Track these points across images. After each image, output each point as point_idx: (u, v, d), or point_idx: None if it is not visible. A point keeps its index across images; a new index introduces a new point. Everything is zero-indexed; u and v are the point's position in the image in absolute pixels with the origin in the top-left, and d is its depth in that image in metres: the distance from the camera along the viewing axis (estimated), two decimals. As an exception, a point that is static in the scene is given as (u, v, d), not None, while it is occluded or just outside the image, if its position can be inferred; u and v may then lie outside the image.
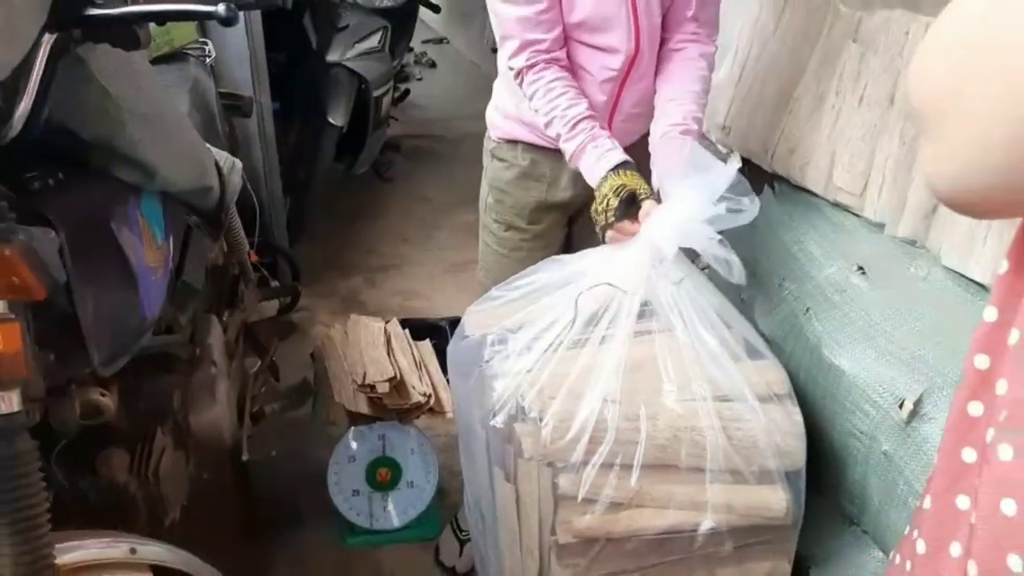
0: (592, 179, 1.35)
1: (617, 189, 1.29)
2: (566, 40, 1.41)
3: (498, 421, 1.16)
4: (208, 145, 1.42)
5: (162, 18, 0.90)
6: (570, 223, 1.70)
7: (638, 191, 1.29)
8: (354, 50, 3.17)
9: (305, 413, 1.91)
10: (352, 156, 3.43)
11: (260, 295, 2.18)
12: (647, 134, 1.46)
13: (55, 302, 0.91)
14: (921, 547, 0.63)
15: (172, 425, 1.37)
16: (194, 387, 1.45)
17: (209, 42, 2.18)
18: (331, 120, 3.04)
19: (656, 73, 1.50)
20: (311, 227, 3.26)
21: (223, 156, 1.48)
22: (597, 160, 1.34)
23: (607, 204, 1.30)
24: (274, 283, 2.33)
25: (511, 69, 1.42)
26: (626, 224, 1.29)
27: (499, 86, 1.62)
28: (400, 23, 3.57)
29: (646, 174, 1.37)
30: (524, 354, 1.20)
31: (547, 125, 1.40)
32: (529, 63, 1.38)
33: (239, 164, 1.52)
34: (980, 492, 0.56)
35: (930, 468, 0.83)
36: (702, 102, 1.45)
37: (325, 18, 3.19)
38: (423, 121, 5.21)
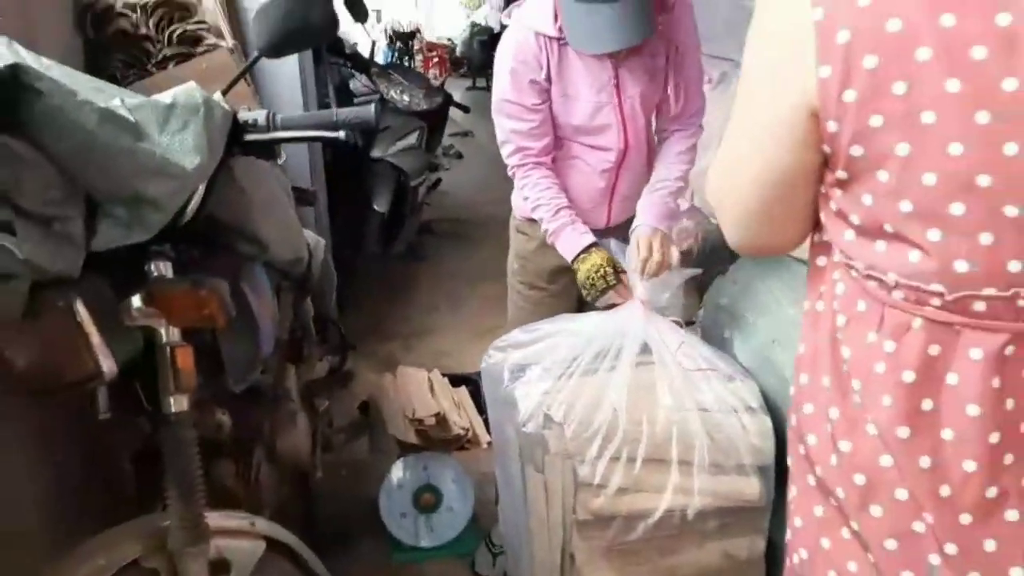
0: (569, 253, 1.76)
1: (599, 267, 1.70)
2: (568, 140, 1.81)
3: (529, 427, 1.51)
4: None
5: (300, 141, 1.30)
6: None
7: (618, 266, 1.71)
8: (395, 147, 3.64)
9: (362, 447, 2.26)
10: (391, 238, 3.86)
11: (319, 352, 2.57)
12: None
13: (204, 338, 1.29)
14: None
15: (265, 446, 1.73)
16: (279, 417, 1.81)
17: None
18: (376, 207, 3.49)
19: (648, 161, 1.90)
20: (355, 299, 3.66)
21: (311, 236, 1.89)
22: (577, 239, 1.75)
23: (602, 274, 1.71)
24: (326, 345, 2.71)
25: (507, 164, 1.82)
26: (622, 289, 1.70)
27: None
28: (434, 123, 4.06)
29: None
30: (544, 379, 1.56)
31: (534, 209, 1.80)
32: (521, 163, 1.80)
33: (323, 242, 1.93)
34: None
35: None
36: (684, 176, 1.84)
37: (368, 120, 3.67)
38: (452, 206, 5.70)
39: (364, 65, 3.99)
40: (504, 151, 1.83)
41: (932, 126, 0.66)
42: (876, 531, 0.79)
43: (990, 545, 0.75)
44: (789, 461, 0.94)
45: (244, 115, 1.27)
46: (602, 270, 1.71)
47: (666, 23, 1.70)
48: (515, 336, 1.73)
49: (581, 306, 1.95)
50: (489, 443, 2.08)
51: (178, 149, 1.06)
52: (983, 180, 0.66)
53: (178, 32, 2.23)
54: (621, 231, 1.86)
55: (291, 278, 1.82)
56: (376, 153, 3.60)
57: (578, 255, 1.74)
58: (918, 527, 0.77)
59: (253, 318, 1.45)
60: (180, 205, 1.12)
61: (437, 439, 2.10)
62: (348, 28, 5.43)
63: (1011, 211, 0.66)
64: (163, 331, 1.14)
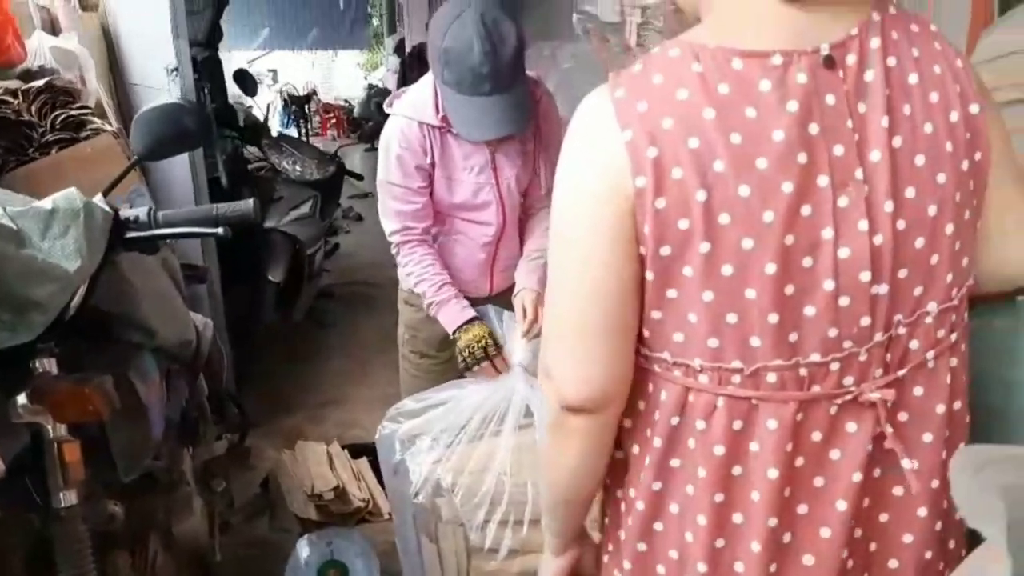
0: (451, 325, 1.86)
1: (481, 339, 1.82)
2: (451, 217, 1.93)
3: (420, 498, 1.57)
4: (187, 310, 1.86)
5: (177, 237, 1.36)
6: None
7: (497, 340, 1.83)
8: (288, 216, 3.68)
9: (263, 526, 2.26)
10: (289, 307, 3.87)
11: (215, 432, 2.55)
12: None
13: (92, 431, 1.31)
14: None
15: (160, 533, 1.72)
16: (174, 503, 1.81)
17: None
18: (270, 277, 3.50)
19: (522, 234, 2.03)
20: (255, 372, 3.63)
21: (199, 318, 1.91)
22: (459, 312, 1.86)
23: (483, 345, 1.82)
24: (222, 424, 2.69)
25: (390, 241, 1.92)
26: (491, 366, 1.82)
27: None
28: (328, 191, 4.12)
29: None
30: (434, 448, 1.63)
31: (417, 284, 1.90)
32: (405, 240, 1.90)
33: (211, 323, 1.96)
34: None
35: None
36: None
37: (263, 191, 3.71)
38: (354, 269, 5.72)
39: (256, 137, 4.04)
40: (388, 228, 1.92)
41: (727, 226, 0.77)
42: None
43: None
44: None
45: (125, 212, 1.32)
46: (483, 341, 1.82)
47: (534, 113, 1.86)
48: (406, 405, 1.80)
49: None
50: (391, 514, 2.12)
51: (60, 253, 1.11)
52: (770, 268, 0.77)
53: (61, 117, 2.25)
54: (503, 298, 1.97)
55: (180, 361, 1.84)
56: (270, 223, 3.63)
57: (460, 326, 1.85)
58: (738, 567, 0.88)
59: (142, 406, 1.47)
60: (63, 305, 1.15)
61: (337, 513, 2.13)
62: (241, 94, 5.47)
63: (789, 289, 0.78)
64: (49, 427, 1.16)
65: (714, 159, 0.76)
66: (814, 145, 0.77)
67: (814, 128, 0.76)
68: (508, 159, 1.89)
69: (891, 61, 0.79)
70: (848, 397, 0.83)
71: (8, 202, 1.15)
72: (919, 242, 0.81)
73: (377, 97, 12.45)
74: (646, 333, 0.86)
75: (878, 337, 0.82)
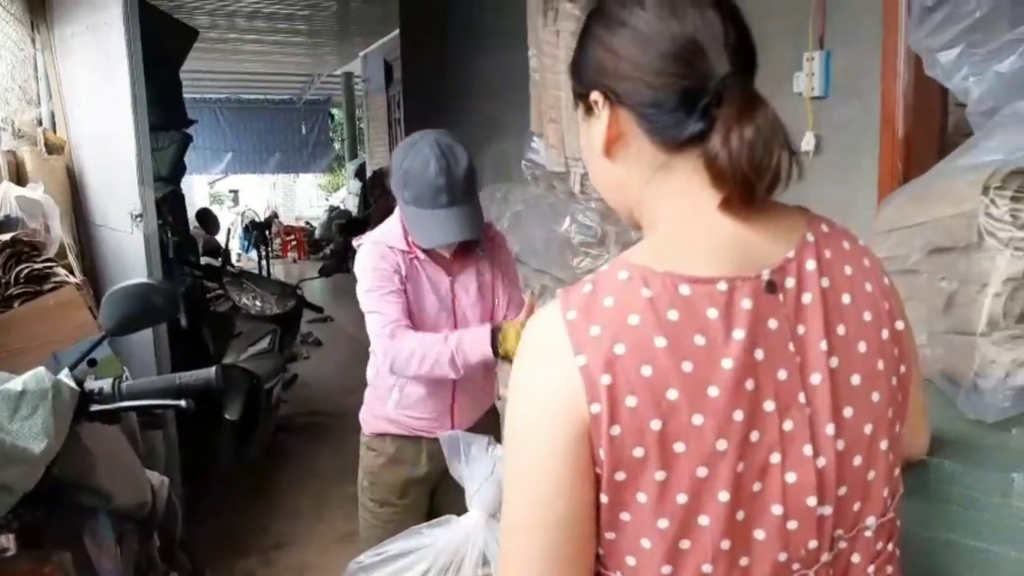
0: (480, 348, 1.85)
1: (518, 334, 1.80)
2: None
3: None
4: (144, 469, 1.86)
5: (143, 410, 1.39)
6: (432, 494, 2.18)
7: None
8: (247, 352, 3.70)
9: None
10: (245, 443, 3.82)
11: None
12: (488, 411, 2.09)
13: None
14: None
15: None
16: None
17: (125, 369, 2.64)
18: (227, 415, 3.48)
19: (486, 378, 2.11)
20: (208, 510, 3.53)
21: (155, 476, 1.91)
22: (479, 332, 1.87)
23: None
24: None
25: (382, 340, 1.92)
26: None
27: (369, 394, 2.16)
28: (287, 324, 4.17)
29: None
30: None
31: (421, 358, 1.88)
32: (395, 328, 1.90)
33: (167, 480, 1.95)
34: None
35: None
36: None
37: (221, 327, 3.74)
38: (312, 398, 5.66)
39: (216, 274, 4.10)
40: (379, 325, 1.92)
41: (682, 455, 0.76)
42: None
43: None
44: None
45: (90, 385, 1.35)
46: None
47: (490, 249, 2.06)
48: (365, 561, 1.79)
49: (430, 518, 2.05)
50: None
51: (27, 434, 1.14)
52: (723, 496, 0.77)
53: (25, 271, 2.29)
54: None
55: (135, 521, 1.82)
56: (228, 359, 3.64)
57: (494, 336, 1.85)
58: None
59: (94, 571, 1.45)
60: (31, 487, 1.17)
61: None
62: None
63: (740, 515, 0.79)
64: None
65: (667, 387, 0.76)
66: (760, 371, 0.78)
67: (759, 353, 0.78)
68: (465, 289, 2.02)
69: (825, 282, 0.82)
70: None
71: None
72: (857, 460, 0.82)
73: (338, 219, 12.71)
74: (600, 552, 0.83)
75: (824, 558, 0.83)
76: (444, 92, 5.55)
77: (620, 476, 0.78)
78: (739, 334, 0.77)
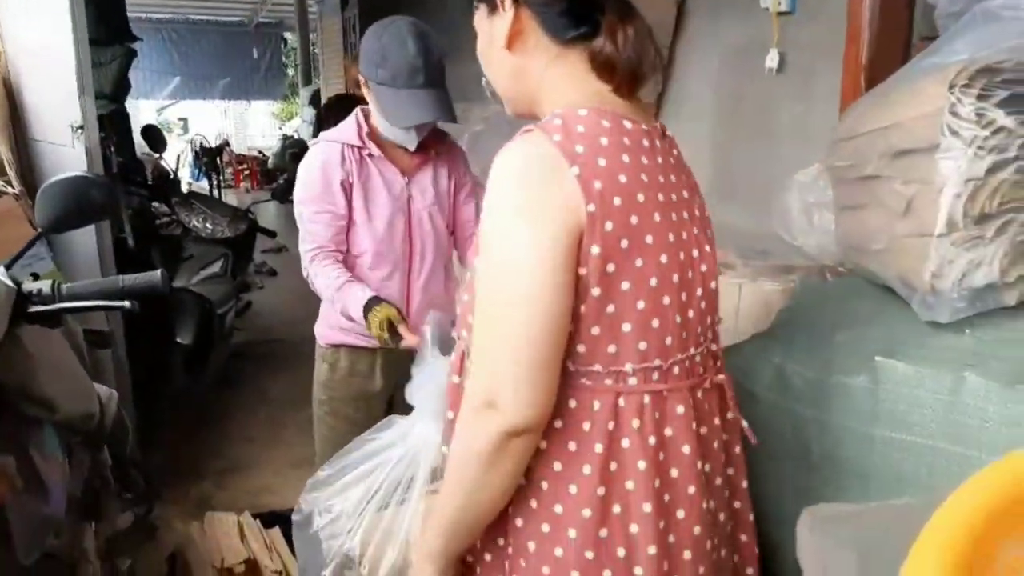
0: (357, 310, 1.87)
1: (381, 323, 1.83)
2: (358, 259, 1.99)
3: (328, 572, 1.55)
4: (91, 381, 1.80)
5: (81, 311, 1.33)
6: (388, 409, 2.17)
7: (394, 319, 1.85)
8: (199, 276, 3.61)
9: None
10: (199, 369, 3.76)
11: (119, 506, 2.44)
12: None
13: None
14: None
15: (60, 617, 1.64)
16: (76, 583, 1.73)
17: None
18: (179, 339, 3.41)
19: (444, 284, 2.09)
20: (162, 436, 3.49)
21: (103, 389, 1.86)
22: (362, 295, 1.88)
23: (383, 328, 1.83)
24: (127, 496, 2.58)
25: (304, 260, 1.97)
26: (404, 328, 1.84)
27: (324, 305, 2.13)
28: (240, 249, 4.06)
29: None
30: (344, 518, 1.62)
31: (324, 291, 1.93)
32: (315, 255, 1.95)
33: (115, 394, 1.90)
34: None
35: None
36: None
37: (170, 250, 3.64)
38: (266, 327, 5.60)
39: (165, 194, 3.96)
40: (303, 249, 1.98)
41: (651, 245, 0.96)
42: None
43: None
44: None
45: (28, 286, 1.29)
46: (390, 318, 1.84)
47: (450, 159, 2.06)
48: (320, 476, 1.78)
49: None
50: (304, 582, 2.07)
51: (-41, 333, 1.08)
52: (675, 278, 0.98)
53: (-42, 181, 2.17)
54: None
55: (83, 434, 1.78)
56: (179, 283, 3.54)
57: (367, 308, 1.86)
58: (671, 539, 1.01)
59: (42, 483, 1.42)
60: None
61: (248, 584, 2.06)
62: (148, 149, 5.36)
63: (683, 295, 1.00)
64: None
65: (636, 192, 0.96)
66: (675, 188, 1.03)
67: (672, 177, 1.03)
68: (421, 192, 2.01)
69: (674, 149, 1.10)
70: (707, 383, 1.06)
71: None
72: (704, 267, 1.07)
73: (292, 148, 12.35)
74: (580, 349, 0.97)
75: (710, 335, 1.07)
76: (400, 13, 5.35)
77: (611, 267, 0.94)
78: (660, 160, 1.02)
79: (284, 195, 10.99)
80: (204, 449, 3.69)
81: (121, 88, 4.85)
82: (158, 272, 1.34)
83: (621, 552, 0.99)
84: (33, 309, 1.26)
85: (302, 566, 1.81)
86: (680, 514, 1.01)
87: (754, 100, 2.39)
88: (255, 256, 6.28)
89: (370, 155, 1.96)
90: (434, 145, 2.03)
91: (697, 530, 1.02)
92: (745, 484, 1.15)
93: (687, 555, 1.01)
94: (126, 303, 1.28)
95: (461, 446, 1.02)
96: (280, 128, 17.65)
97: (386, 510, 1.63)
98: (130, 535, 2.29)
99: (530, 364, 0.94)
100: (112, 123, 4.43)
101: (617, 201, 0.93)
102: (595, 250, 0.92)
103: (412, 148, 1.96)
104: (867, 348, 1.13)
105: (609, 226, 0.92)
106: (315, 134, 10.87)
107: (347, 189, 1.94)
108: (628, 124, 0.99)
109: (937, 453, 1.10)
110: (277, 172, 12.93)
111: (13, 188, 2.30)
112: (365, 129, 1.97)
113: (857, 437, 1.10)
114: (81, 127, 2.84)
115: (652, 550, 0.99)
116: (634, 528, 0.98)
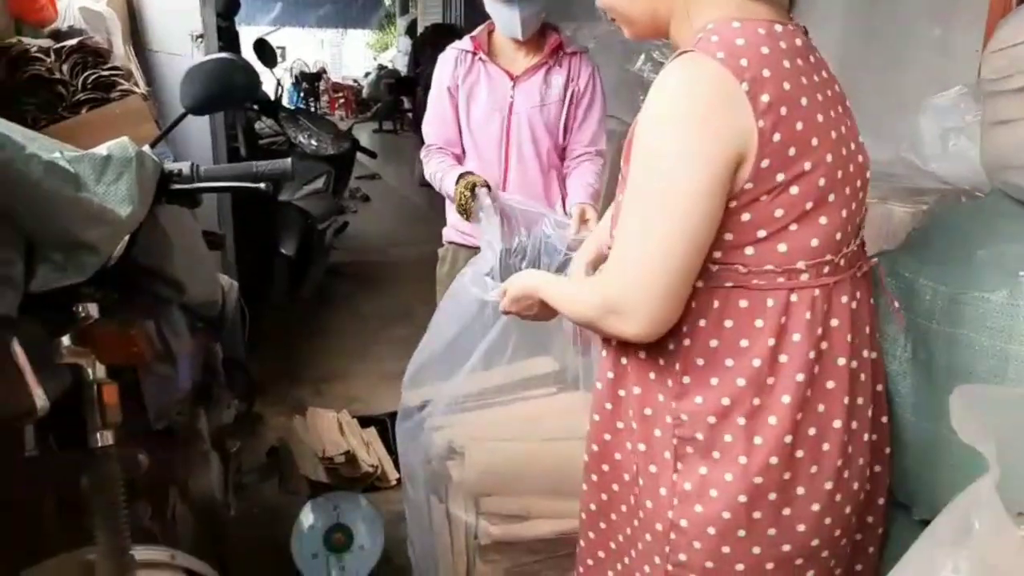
0: (449, 183, 2.07)
1: (466, 185, 1.98)
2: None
3: (434, 459, 1.62)
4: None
5: (219, 191, 1.39)
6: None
7: (477, 183, 1.99)
8: (302, 191, 3.71)
9: (272, 489, 2.30)
10: (299, 281, 3.90)
11: (227, 397, 2.59)
12: None
13: (126, 377, 1.35)
14: None
15: (179, 486, 1.77)
16: (192, 458, 1.85)
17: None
18: (283, 250, 3.53)
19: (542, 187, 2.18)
20: (262, 344, 3.67)
21: (225, 279, 1.95)
22: (454, 171, 2.06)
23: (463, 196, 1.98)
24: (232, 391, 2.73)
25: (422, 153, 2.21)
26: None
27: (449, 207, 2.23)
28: (341, 167, 4.15)
29: None
30: (450, 412, 1.68)
31: (433, 176, 2.14)
32: (429, 147, 2.18)
33: (236, 285, 1.99)
34: None
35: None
36: (595, 195, 2.14)
37: (277, 164, 3.74)
38: (359, 249, 5.75)
39: (272, 110, 4.06)
40: (425, 139, 2.23)
41: (817, 147, 0.97)
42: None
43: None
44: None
45: (170, 166, 1.35)
46: (470, 186, 1.99)
47: (570, 67, 2.13)
48: (422, 372, 1.84)
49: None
50: (398, 480, 2.16)
51: (114, 198, 1.14)
52: (839, 174, 1.00)
53: (93, 77, 2.27)
54: None
55: (205, 320, 1.88)
56: (283, 197, 3.65)
57: (456, 182, 2.02)
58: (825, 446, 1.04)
59: (173, 358, 1.51)
60: (114, 250, 1.19)
61: (347, 477, 2.17)
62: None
63: (848, 190, 1.02)
64: (90, 369, 1.20)
65: (799, 97, 0.97)
66: (829, 84, 1.04)
67: (824, 73, 1.04)
68: (526, 94, 2.13)
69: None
70: (864, 269, 1.08)
71: (61, 149, 1.19)
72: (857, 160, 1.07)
73: (387, 78, 12.42)
74: (749, 252, 0.99)
75: (862, 224, 1.10)
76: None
77: (780, 176, 0.96)
78: (812, 58, 1.03)
79: (381, 119, 11.09)
80: (303, 358, 3.86)
81: (231, 6, 4.96)
82: (288, 160, 1.38)
83: (788, 439, 1.01)
84: (174, 187, 1.32)
85: (403, 458, 1.89)
86: (844, 399, 1.04)
87: (886, 25, 2.26)
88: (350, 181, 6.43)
89: (481, 59, 2.12)
90: (554, 54, 2.13)
91: (846, 400, 1.05)
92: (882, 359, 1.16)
93: (836, 424, 1.04)
94: (261, 184, 1.33)
95: (575, 315, 1.13)
96: (375, 59, 17.76)
97: (499, 408, 1.68)
98: (235, 425, 2.43)
99: (668, 276, 0.97)
100: (223, 40, 4.55)
101: (783, 111, 0.94)
102: (764, 163, 0.94)
103: (520, 37, 2.07)
104: (1010, 264, 1.08)
105: (777, 137, 0.94)
106: (411, 64, 10.89)
107: (453, 93, 2.13)
108: (779, 28, 0.99)
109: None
110: (371, 101, 13.06)
111: (139, 89, 2.39)
112: (484, 35, 2.13)
113: (991, 353, 1.06)
114: (201, 36, 2.93)
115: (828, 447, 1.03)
116: (800, 416, 1.01)
